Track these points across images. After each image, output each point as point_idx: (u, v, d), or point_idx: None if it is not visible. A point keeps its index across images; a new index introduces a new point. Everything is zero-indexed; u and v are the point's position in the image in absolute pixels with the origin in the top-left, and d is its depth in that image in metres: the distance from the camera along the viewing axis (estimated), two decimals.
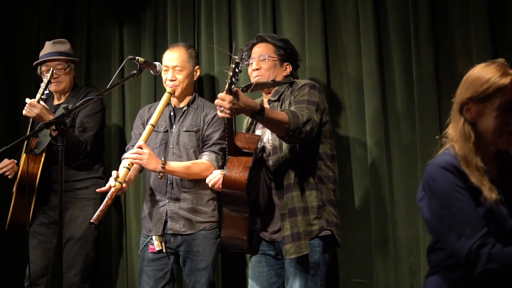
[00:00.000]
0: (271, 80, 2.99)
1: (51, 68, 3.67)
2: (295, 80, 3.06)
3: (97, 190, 3.24)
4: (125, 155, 3.45)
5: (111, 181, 3.15)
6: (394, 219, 3.36)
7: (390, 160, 3.39)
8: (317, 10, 3.57)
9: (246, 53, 2.62)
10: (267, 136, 2.98)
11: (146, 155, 3.20)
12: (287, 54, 3.13)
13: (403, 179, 3.36)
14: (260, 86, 2.87)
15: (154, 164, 3.23)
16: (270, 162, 2.94)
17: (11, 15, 4.78)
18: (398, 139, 3.38)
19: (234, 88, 2.53)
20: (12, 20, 4.78)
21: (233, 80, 2.53)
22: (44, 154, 3.64)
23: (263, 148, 2.98)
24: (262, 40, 3.15)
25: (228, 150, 2.83)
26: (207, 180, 3.00)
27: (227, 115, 2.56)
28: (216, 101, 2.56)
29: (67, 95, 3.91)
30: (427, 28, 3.28)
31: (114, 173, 3.20)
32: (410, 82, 3.32)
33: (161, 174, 3.28)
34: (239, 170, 2.76)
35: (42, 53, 3.89)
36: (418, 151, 3.28)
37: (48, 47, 3.88)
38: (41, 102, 3.52)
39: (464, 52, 3.24)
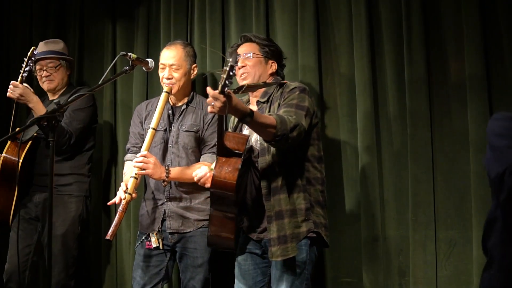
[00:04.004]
0: (262, 82, 3.00)
1: (32, 47, 3.68)
2: (285, 82, 3.06)
3: (108, 203, 3.25)
4: (128, 157, 3.48)
5: (121, 194, 3.16)
6: (383, 219, 3.37)
7: (381, 160, 3.40)
8: (310, 9, 3.58)
9: (239, 56, 2.62)
10: (255, 137, 2.98)
11: (152, 165, 3.21)
12: (271, 51, 3.13)
13: (393, 179, 3.37)
14: (251, 88, 2.87)
15: (159, 173, 3.25)
16: (258, 163, 2.93)
17: (4, 12, 4.75)
18: (389, 139, 3.39)
19: (227, 90, 2.53)
20: (5, 17, 4.76)
21: (227, 83, 2.53)
22: (29, 143, 3.64)
23: (251, 148, 2.98)
24: (246, 40, 3.16)
25: (217, 150, 2.84)
26: (193, 174, 3.02)
27: (217, 112, 2.57)
28: (208, 100, 2.56)
29: (60, 92, 3.90)
30: (419, 30, 3.29)
31: (123, 185, 3.20)
32: (402, 83, 3.33)
33: (165, 182, 3.30)
34: (228, 171, 2.75)
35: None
36: (409, 152, 3.30)
37: (40, 47, 3.88)
38: (24, 84, 3.56)
39: (456, 55, 3.26)
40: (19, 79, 3.56)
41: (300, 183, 2.88)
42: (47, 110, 3.52)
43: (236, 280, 3.07)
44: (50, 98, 3.92)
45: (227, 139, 2.86)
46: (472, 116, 3.14)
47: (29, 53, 3.60)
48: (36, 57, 3.80)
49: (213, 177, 2.78)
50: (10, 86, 3.54)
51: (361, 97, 3.42)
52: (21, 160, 3.59)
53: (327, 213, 2.98)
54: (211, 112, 2.60)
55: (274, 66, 3.13)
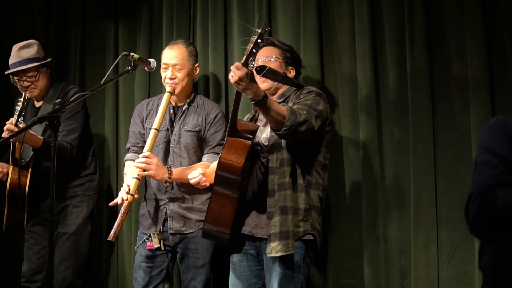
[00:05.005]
0: (283, 72, 3.00)
1: (23, 94, 3.55)
2: (304, 85, 3.07)
3: (110, 204, 3.25)
4: (128, 156, 3.48)
5: (123, 194, 3.16)
6: (385, 220, 3.36)
7: (383, 161, 3.39)
8: (313, 9, 3.57)
9: (268, 28, 2.63)
10: (265, 134, 2.98)
11: (154, 166, 3.21)
12: (292, 58, 3.15)
13: (395, 180, 3.36)
14: (272, 73, 2.84)
15: (161, 174, 3.25)
16: (265, 159, 2.93)
17: (5, 12, 4.75)
18: (391, 139, 3.38)
19: (250, 68, 2.56)
20: (7, 16, 4.75)
21: (253, 51, 2.56)
22: (31, 164, 3.60)
23: (259, 144, 2.98)
24: (268, 43, 3.16)
25: (228, 131, 2.85)
26: (189, 177, 3.06)
27: (235, 81, 2.59)
28: (232, 67, 2.59)
29: (45, 95, 3.81)
30: (421, 29, 3.28)
31: (125, 185, 3.20)
32: (404, 83, 3.33)
33: (167, 183, 3.30)
34: (236, 154, 2.77)
35: (10, 61, 3.74)
36: (411, 152, 3.29)
37: (14, 55, 3.72)
38: (19, 125, 3.42)
39: (458, 53, 3.25)
40: (13, 121, 3.42)
41: (302, 183, 2.89)
42: (44, 139, 3.50)
43: (231, 274, 3.06)
44: (37, 104, 3.85)
45: (238, 124, 2.87)
46: (474, 117, 3.13)
47: (21, 99, 3.45)
48: (12, 69, 3.69)
49: (220, 158, 2.80)
50: (5, 129, 3.41)
51: (363, 98, 3.41)
52: (28, 182, 3.57)
53: (328, 215, 2.98)
54: (233, 83, 2.62)
55: (292, 72, 3.14)
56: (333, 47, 3.59)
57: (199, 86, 3.93)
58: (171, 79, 3.41)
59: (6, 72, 3.76)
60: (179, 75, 3.42)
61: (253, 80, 2.61)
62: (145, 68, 3.31)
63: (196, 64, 3.53)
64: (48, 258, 2.69)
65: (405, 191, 3.32)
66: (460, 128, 3.22)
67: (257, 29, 2.55)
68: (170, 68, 3.42)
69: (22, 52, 3.72)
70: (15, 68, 3.69)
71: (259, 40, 2.54)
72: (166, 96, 3.34)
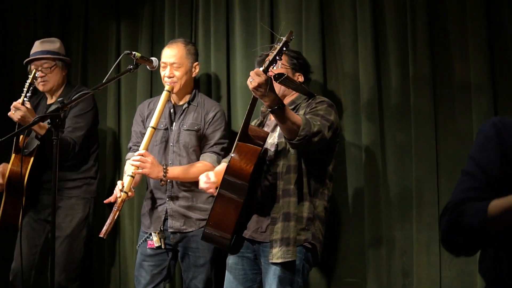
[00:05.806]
0: (299, 82, 3.00)
1: (34, 69, 3.59)
2: (315, 94, 3.07)
3: (104, 201, 3.24)
4: (129, 155, 3.48)
5: (117, 192, 3.15)
6: (387, 220, 3.36)
7: (385, 161, 3.39)
8: (315, 9, 3.57)
9: (293, 37, 2.62)
10: (271, 140, 2.98)
11: (149, 164, 3.20)
12: (299, 64, 3.13)
13: (397, 179, 3.36)
14: (289, 81, 2.82)
15: (156, 172, 3.24)
16: (273, 165, 2.91)
17: (7, 11, 4.75)
18: (393, 140, 3.38)
19: (269, 73, 2.55)
20: (8, 16, 4.76)
21: (277, 58, 2.55)
22: (34, 154, 3.59)
23: (266, 151, 2.97)
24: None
25: (239, 135, 2.83)
26: (201, 178, 2.99)
27: (253, 87, 2.57)
28: (251, 73, 2.57)
29: (58, 93, 3.84)
30: (424, 30, 3.28)
31: (119, 183, 3.19)
32: (406, 83, 3.32)
33: (162, 182, 3.30)
34: (246, 159, 2.76)
35: (31, 51, 3.81)
36: (413, 152, 3.28)
37: (36, 47, 3.80)
38: (26, 104, 3.43)
39: (461, 54, 3.25)
40: (20, 100, 3.44)
41: (307, 192, 2.88)
42: (48, 127, 3.47)
43: (227, 275, 3.05)
44: (49, 101, 3.88)
45: (249, 131, 2.85)
46: (476, 117, 3.13)
47: (31, 76, 3.49)
48: (31, 57, 3.76)
49: (229, 163, 2.78)
50: (12, 107, 3.43)
51: (366, 98, 3.41)
52: (27, 172, 3.55)
53: (331, 214, 2.96)
54: (251, 89, 2.59)
55: (300, 79, 3.13)
56: (335, 47, 3.58)
57: (201, 85, 3.93)
58: (169, 77, 3.42)
59: (25, 62, 3.81)
60: (177, 73, 3.43)
61: (272, 87, 2.59)
62: (147, 67, 3.31)
63: (196, 63, 3.53)
64: (51, 263, 2.68)
65: (407, 191, 3.31)
66: (462, 130, 3.22)
67: (281, 37, 2.54)
68: (168, 67, 3.43)
69: (44, 45, 3.81)
70: (33, 56, 3.75)
71: (284, 49, 2.52)
72: (164, 94, 3.34)
